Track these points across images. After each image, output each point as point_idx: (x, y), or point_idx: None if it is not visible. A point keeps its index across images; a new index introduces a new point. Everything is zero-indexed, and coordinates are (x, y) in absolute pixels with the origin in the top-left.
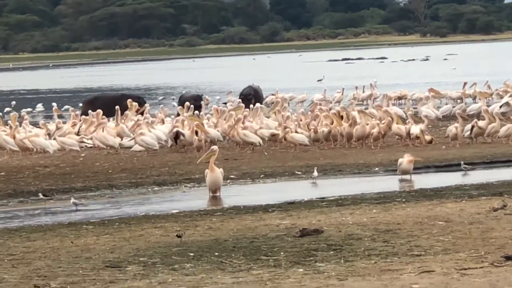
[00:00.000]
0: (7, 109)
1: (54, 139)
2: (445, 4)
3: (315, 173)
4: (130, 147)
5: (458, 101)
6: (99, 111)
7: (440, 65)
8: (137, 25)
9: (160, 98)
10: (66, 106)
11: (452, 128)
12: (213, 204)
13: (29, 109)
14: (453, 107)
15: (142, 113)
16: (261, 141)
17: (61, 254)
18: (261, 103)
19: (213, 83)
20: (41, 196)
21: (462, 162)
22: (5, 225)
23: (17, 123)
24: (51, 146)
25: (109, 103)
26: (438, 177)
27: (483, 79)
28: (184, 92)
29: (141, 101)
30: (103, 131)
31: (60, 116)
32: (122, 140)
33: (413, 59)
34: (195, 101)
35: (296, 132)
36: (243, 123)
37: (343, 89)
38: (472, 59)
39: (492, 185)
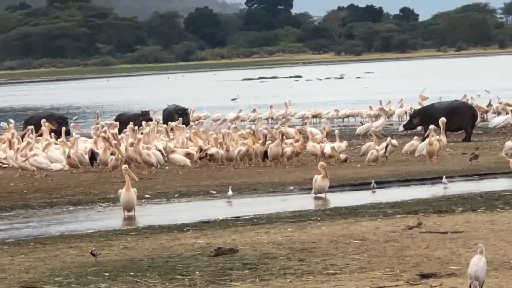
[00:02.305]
0: None
1: None
2: (359, 22)
3: (230, 192)
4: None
5: (373, 119)
6: (13, 132)
7: (354, 84)
8: (51, 44)
9: (75, 118)
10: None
11: (372, 150)
12: (128, 224)
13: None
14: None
15: (61, 133)
16: (159, 162)
17: None
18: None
19: (128, 103)
20: None
21: (372, 181)
22: None
23: None
24: None
25: (40, 122)
26: (353, 195)
27: (396, 97)
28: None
29: (62, 121)
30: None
31: None
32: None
33: (328, 78)
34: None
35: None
36: (146, 142)
37: (254, 109)
38: (387, 77)
39: (407, 203)
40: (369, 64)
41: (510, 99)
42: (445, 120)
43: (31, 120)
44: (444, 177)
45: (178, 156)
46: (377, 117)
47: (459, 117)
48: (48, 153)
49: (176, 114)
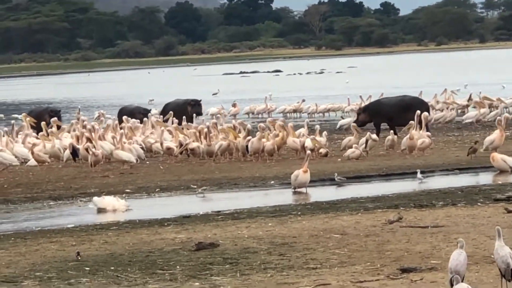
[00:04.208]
0: None
1: None
2: (340, 17)
3: (199, 190)
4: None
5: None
6: None
7: (334, 79)
8: (32, 39)
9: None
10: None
11: (354, 149)
12: (109, 218)
13: None
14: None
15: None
16: (132, 159)
17: None
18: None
19: (109, 97)
20: None
21: (335, 174)
22: None
23: None
24: None
25: (37, 117)
26: (333, 190)
27: (377, 91)
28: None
29: (54, 115)
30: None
31: None
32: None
33: (309, 72)
34: (143, 115)
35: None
36: (129, 138)
37: (234, 103)
38: (369, 72)
39: (388, 197)
40: (349, 59)
41: (490, 94)
42: (427, 114)
43: (30, 114)
44: (418, 171)
45: (122, 153)
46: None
47: (412, 112)
48: (15, 149)
49: (189, 106)
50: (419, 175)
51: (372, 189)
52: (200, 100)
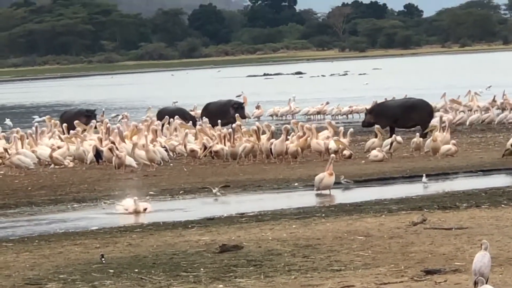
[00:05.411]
0: None
1: None
2: (363, 19)
3: (215, 190)
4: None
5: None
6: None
7: (359, 81)
8: (55, 41)
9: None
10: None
11: (377, 153)
12: (133, 221)
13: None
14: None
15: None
16: (133, 164)
17: None
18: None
19: (132, 99)
20: None
21: (342, 177)
22: None
23: None
24: None
25: (72, 119)
26: (357, 191)
27: (400, 93)
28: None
29: (90, 115)
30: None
31: None
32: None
33: (332, 74)
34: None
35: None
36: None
37: (258, 105)
38: (393, 74)
39: (412, 199)
40: (373, 61)
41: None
42: (451, 117)
43: (64, 116)
44: (424, 175)
45: (128, 158)
46: None
47: (417, 114)
48: (38, 152)
49: (232, 108)
50: (424, 179)
51: (396, 191)
52: (243, 103)
